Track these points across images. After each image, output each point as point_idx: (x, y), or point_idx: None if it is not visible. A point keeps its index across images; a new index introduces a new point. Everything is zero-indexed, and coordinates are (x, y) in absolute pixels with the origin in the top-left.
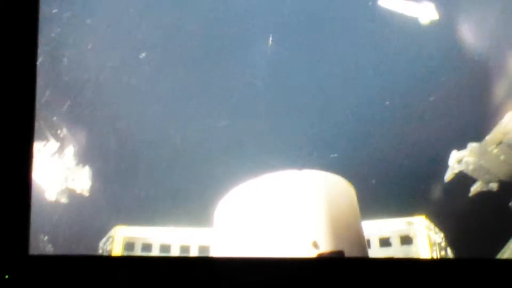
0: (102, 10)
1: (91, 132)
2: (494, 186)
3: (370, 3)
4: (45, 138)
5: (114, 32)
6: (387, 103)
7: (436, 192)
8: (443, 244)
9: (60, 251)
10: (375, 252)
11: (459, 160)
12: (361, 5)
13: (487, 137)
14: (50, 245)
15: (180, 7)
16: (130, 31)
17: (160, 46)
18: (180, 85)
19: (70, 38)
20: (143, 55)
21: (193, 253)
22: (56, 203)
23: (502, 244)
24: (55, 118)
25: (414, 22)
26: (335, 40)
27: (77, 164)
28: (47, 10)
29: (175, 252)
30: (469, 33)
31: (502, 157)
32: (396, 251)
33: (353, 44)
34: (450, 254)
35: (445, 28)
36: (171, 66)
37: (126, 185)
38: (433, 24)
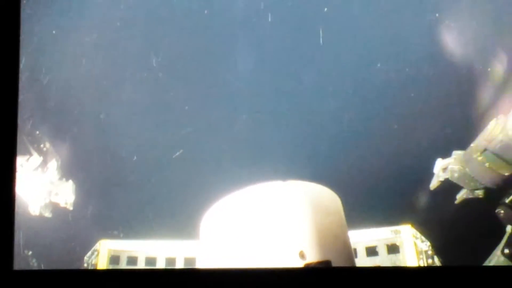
0: (85, 25)
1: (74, 146)
2: (479, 193)
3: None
4: (28, 153)
5: (97, 47)
6: (372, 112)
7: (422, 201)
8: (429, 252)
9: (45, 266)
10: (362, 261)
11: (444, 168)
12: (345, 14)
13: (472, 145)
14: (34, 260)
15: (162, 21)
16: (111, 46)
17: (142, 61)
18: (163, 99)
19: (53, 53)
20: (126, 69)
21: (179, 265)
22: (40, 218)
23: (488, 251)
24: (37, 132)
25: (399, 30)
26: (317, 48)
27: (61, 178)
28: (29, 25)
29: (160, 265)
30: (453, 42)
31: (487, 164)
32: (383, 260)
33: (335, 52)
34: (437, 262)
35: (430, 36)
36: (153, 80)
37: (111, 198)
38: (418, 32)
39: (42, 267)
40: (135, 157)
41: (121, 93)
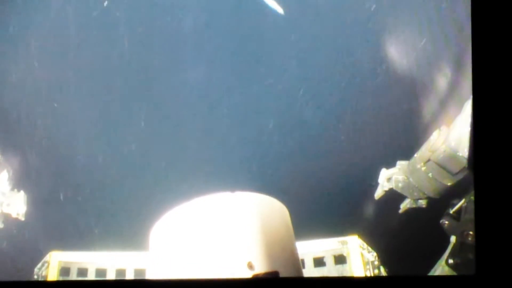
0: (34, 28)
1: (25, 157)
2: (423, 202)
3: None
4: None
5: (45, 57)
6: (318, 123)
7: (367, 211)
8: (376, 262)
9: None
10: (310, 271)
11: (389, 178)
12: (286, 23)
13: (416, 155)
14: None
15: (111, 33)
16: (61, 52)
17: (92, 71)
18: (112, 110)
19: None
20: (76, 78)
21: (129, 276)
22: None
23: (433, 261)
24: None
25: (343, 38)
26: (262, 55)
27: (12, 189)
28: None
29: (111, 276)
30: (397, 51)
31: (430, 175)
32: (330, 271)
33: (281, 65)
34: (383, 272)
35: (373, 46)
36: (102, 91)
37: (61, 209)
38: (362, 41)
39: None
40: (86, 168)
41: (72, 105)
